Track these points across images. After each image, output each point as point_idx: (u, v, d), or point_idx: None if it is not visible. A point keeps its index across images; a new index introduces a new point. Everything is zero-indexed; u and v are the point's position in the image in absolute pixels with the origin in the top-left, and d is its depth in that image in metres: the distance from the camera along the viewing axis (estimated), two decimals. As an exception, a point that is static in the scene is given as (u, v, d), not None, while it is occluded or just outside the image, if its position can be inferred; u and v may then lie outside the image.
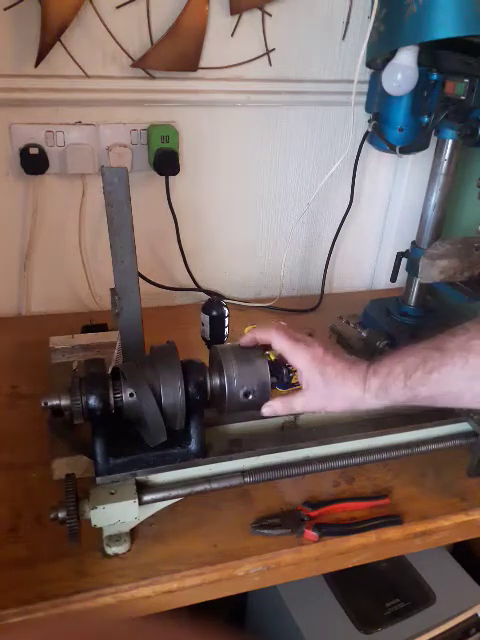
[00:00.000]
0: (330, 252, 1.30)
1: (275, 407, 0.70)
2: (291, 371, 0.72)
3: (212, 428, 0.77)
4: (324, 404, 0.69)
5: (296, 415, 0.81)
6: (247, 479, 0.71)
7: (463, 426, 0.81)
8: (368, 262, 1.42)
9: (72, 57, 0.99)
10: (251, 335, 0.71)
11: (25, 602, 0.62)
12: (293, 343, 0.69)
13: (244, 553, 0.70)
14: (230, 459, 0.72)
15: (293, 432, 0.80)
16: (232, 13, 1.03)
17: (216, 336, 0.95)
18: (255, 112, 1.14)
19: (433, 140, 1.04)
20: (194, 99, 1.09)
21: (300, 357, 0.69)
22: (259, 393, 0.70)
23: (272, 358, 0.73)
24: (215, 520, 0.74)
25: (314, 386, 0.68)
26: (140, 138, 1.08)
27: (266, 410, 0.70)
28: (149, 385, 0.65)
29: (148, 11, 0.99)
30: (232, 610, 1.20)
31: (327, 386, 0.68)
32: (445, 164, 1.03)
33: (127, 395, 0.66)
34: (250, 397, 0.69)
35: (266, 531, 0.72)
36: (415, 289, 1.14)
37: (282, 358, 0.71)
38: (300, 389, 0.71)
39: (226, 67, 1.07)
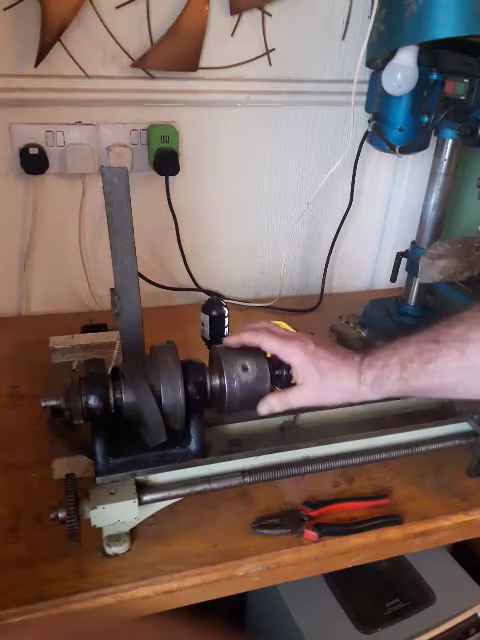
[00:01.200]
0: (330, 252, 1.30)
1: (272, 404, 0.70)
2: (290, 370, 0.72)
3: (212, 428, 0.77)
4: (320, 398, 0.69)
5: (295, 414, 0.81)
6: (247, 479, 0.71)
7: (463, 426, 0.81)
8: (368, 262, 1.43)
9: (72, 57, 0.99)
10: (237, 339, 0.71)
11: (25, 602, 0.62)
12: (283, 341, 0.70)
13: (244, 553, 0.70)
14: (230, 459, 0.72)
15: (293, 432, 0.80)
16: (232, 13, 1.03)
17: (216, 336, 0.95)
18: (255, 112, 1.14)
19: (433, 140, 1.04)
20: (194, 99, 1.09)
21: (292, 353, 0.69)
22: (259, 393, 0.70)
23: (268, 355, 0.73)
24: (215, 520, 0.73)
25: (309, 381, 0.68)
26: (140, 138, 1.08)
27: (263, 408, 0.70)
28: (149, 385, 0.65)
29: (148, 11, 0.99)
30: (232, 610, 1.20)
31: (322, 380, 0.68)
32: (445, 164, 1.03)
33: (127, 395, 0.66)
34: (250, 397, 0.69)
35: (266, 531, 0.72)
36: (415, 289, 1.14)
37: (276, 359, 0.71)
38: (296, 386, 0.70)
39: (226, 67, 1.07)
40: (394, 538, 0.74)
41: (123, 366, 0.68)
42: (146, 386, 0.65)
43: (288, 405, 0.70)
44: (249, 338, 0.71)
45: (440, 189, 1.06)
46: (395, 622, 0.99)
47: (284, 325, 1.07)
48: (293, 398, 0.69)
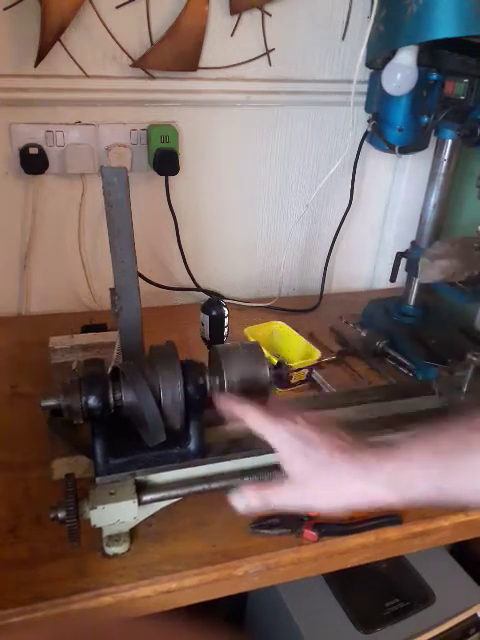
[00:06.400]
0: (330, 252, 1.30)
1: (249, 499, 0.56)
2: (291, 370, 0.72)
3: (212, 428, 0.77)
4: (309, 502, 0.55)
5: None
6: (246, 479, 0.71)
7: (463, 426, 0.81)
8: (368, 262, 1.42)
9: (72, 57, 0.99)
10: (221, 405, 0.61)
11: (25, 602, 0.62)
12: (270, 418, 0.57)
13: (243, 553, 0.70)
14: (229, 459, 0.72)
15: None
16: (232, 13, 1.03)
17: (216, 336, 0.95)
18: (255, 112, 1.14)
19: (432, 140, 1.05)
20: (194, 99, 1.09)
21: (279, 437, 0.55)
22: (258, 393, 0.70)
23: (274, 362, 0.73)
24: (214, 520, 0.73)
25: (296, 477, 0.54)
26: (140, 138, 1.08)
27: (238, 502, 0.57)
28: (148, 385, 0.65)
29: (148, 11, 0.99)
30: (231, 610, 1.20)
31: (314, 478, 0.53)
32: (445, 164, 1.03)
33: (126, 395, 0.66)
34: (250, 397, 0.69)
35: (265, 531, 0.72)
36: (415, 289, 1.14)
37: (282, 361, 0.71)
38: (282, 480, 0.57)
39: (226, 67, 1.07)
40: (394, 538, 0.74)
41: (123, 366, 0.68)
42: (146, 386, 0.65)
43: (267, 504, 0.56)
44: (231, 406, 0.60)
45: (440, 189, 1.06)
46: (395, 622, 0.99)
47: (284, 326, 1.08)
48: (274, 497, 0.55)
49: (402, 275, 1.15)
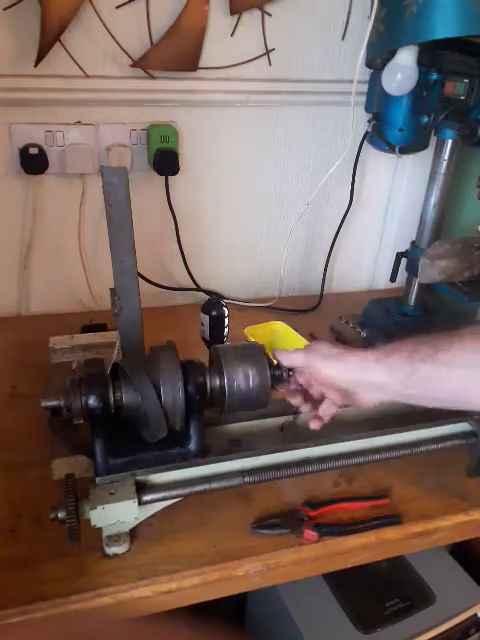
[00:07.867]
0: (330, 252, 1.30)
1: (278, 356, 0.72)
2: (291, 372, 0.72)
3: (212, 428, 0.77)
4: (330, 362, 0.69)
5: (296, 414, 0.81)
6: (247, 479, 0.71)
7: (462, 426, 0.81)
8: (368, 262, 1.42)
9: (72, 57, 0.99)
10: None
11: (24, 602, 0.62)
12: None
13: (244, 553, 0.70)
14: (230, 459, 0.72)
15: (293, 432, 0.80)
16: (232, 13, 1.03)
17: (216, 336, 0.95)
18: (255, 112, 1.14)
19: (433, 140, 1.04)
20: (194, 99, 1.09)
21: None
22: (259, 393, 0.70)
23: (274, 362, 0.73)
24: (215, 520, 0.73)
25: (320, 344, 0.72)
26: (140, 138, 1.08)
27: (280, 357, 0.72)
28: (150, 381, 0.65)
29: (148, 11, 0.99)
30: (232, 610, 1.20)
31: (334, 347, 0.71)
32: (445, 164, 1.03)
33: (127, 390, 0.65)
34: (250, 397, 0.69)
35: (266, 531, 0.72)
36: (414, 289, 1.14)
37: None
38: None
39: (226, 67, 1.07)
40: (394, 538, 0.74)
41: (123, 362, 0.68)
42: (147, 379, 0.65)
43: (290, 361, 0.72)
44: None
45: (440, 189, 1.06)
46: (395, 622, 0.99)
47: (284, 326, 1.08)
48: (298, 355, 0.71)
49: (402, 275, 1.15)
